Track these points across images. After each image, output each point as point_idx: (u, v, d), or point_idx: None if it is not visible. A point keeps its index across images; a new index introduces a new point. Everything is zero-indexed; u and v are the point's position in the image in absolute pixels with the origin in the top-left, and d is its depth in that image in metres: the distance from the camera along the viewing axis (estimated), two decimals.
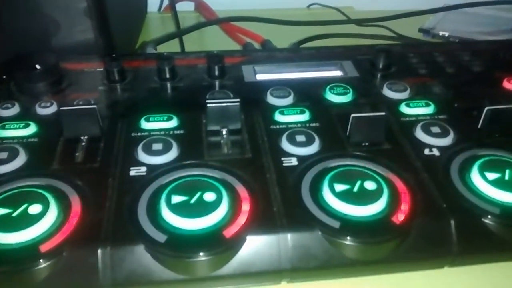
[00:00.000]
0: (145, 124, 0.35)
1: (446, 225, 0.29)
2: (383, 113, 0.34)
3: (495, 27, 0.66)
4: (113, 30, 0.46)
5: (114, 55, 0.42)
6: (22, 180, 0.30)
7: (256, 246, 0.27)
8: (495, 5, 0.69)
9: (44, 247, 0.26)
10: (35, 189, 0.29)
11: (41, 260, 0.25)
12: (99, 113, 0.34)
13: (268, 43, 0.56)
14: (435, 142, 0.34)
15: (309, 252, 0.27)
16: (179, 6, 0.67)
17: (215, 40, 0.62)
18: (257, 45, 0.57)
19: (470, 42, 0.59)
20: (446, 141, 0.34)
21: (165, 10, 0.72)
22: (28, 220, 0.26)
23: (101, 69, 0.43)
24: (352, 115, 0.33)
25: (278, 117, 0.36)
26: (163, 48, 0.55)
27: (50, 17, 0.44)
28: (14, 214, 0.27)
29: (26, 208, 0.27)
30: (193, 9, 0.72)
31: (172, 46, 0.57)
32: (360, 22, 0.65)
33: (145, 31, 0.65)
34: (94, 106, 0.33)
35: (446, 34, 0.63)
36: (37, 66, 0.40)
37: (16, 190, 0.28)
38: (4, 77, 0.41)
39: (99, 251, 0.26)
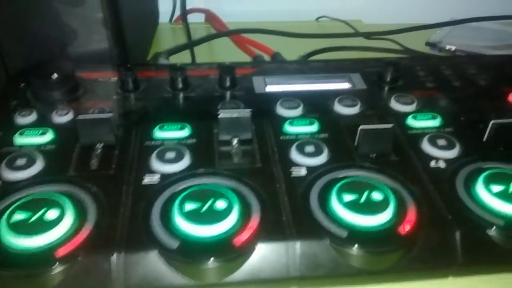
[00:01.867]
0: (158, 133, 0.36)
1: (451, 236, 0.29)
2: (390, 125, 0.34)
3: (501, 42, 0.67)
4: (128, 41, 0.48)
5: (128, 65, 0.43)
6: (39, 186, 0.31)
7: (265, 254, 0.28)
8: (502, 20, 0.69)
9: (59, 252, 0.27)
10: (52, 195, 0.29)
11: (56, 265, 0.26)
12: (114, 121, 0.35)
13: (278, 56, 0.57)
14: (441, 155, 0.35)
15: (316, 261, 0.28)
16: (190, 18, 0.69)
17: (225, 51, 0.63)
18: (267, 57, 0.58)
19: (477, 56, 0.60)
20: (452, 153, 0.35)
21: (176, 21, 0.73)
22: (45, 225, 0.27)
23: (115, 79, 0.44)
24: (360, 127, 0.34)
25: (288, 127, 0.37)
26: (174, 59, 0.57)
27: (67, 27, 0.45)
28: (32, 219, 0.28)
29: (44, 213, 0.28)
30: (204, 20, 0.73)
31: (183, 57, 0.58)
32: (368, 35, 0.66)
33: (157, 41, 0.66)
34: (110, 114, 0.34)
35: (453, 48, 0.64)
36: (54, 75, 0.41)
37: (34, 196, 0.29)
38: (22, 84, 0.42)
39: (113, 256, 0.27)
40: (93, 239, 0.28)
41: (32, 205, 0.28)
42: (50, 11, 0.44)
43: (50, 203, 0.29)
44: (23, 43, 0.46)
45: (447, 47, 0.64)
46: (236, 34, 0.64)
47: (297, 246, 0.28)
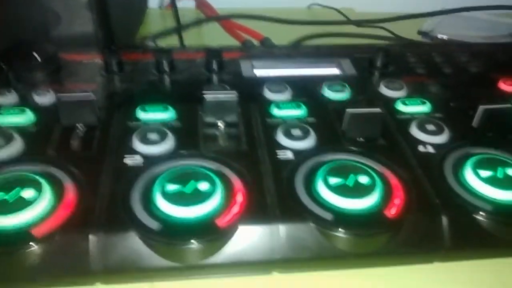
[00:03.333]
0: (141, 114, 0.35)
1: (438, 221, 0.29)
2: (378, 109, 0.34)
3: (493, 32, 0.66)
4: (113, 23, 0.47)
5: (113, 47, 0.42)
6: (17, 166, 0.30)
7: (248, 236, 0.27)
8: (493, 10, 0.69)
9: (36, 231, 0.26)
10: (30, 174, 0.29)
11: (32, 244, 0.25)
12: (96, 102, 0.34)
13: (267, 41, 0.56)
14: (429, 140, 0.34)
15: (301, 243, 0.27)
16: (180, 4, 0.67)
17: (214, 37, 0.62)
18: (256, 43, 0.57)
19: (468, 44, 0.59)
20: (441, 138, 0.34)
21: (166, 7, 0.72)
22: (22, 204, 0.26)
23: (100, 61, 0.43)
24: (347, 110, 0.34)
25: (275, 110, 0.36)
26: (162, 43, 0.56)
27: (50, 8, 0.44)
28: (7, 198, 0.27)
29: (19, 192, 0.27)
30: (194, 6, 0.72)
31: (171, 42, 0.57)
32: (359, 23, 0.66)
33: (145, 26, 0.65)
34: (90, 93, 0.33)
35: (445, 37, 0.64)
36: (36, 56, 0.40)
37: (10, 174, 0.28)
38: (2, 66, 0.41)
39: (91, 236, 0.26)
40: (71, 219, 0.27)
41: (9, 184, 0.28)
42: None
43: (27, 182, 0.28)
44: (5, 24, 0.45)
45: (439, 36, 0.64)
46: (226, 20, 0.63)
47: (281, 228, 0.27)
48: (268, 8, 0.68)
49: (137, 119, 0.35)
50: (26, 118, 0.34)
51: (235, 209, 0.28)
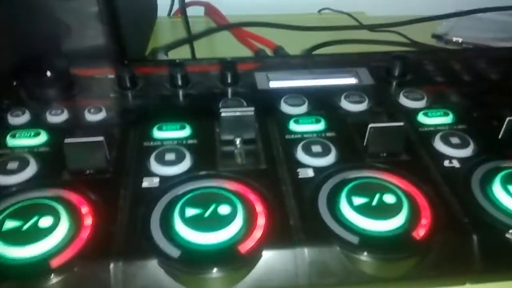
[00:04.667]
0: (157, 133, 0.34)
1: (468, 241, 0.28)
2: (401, 123, 0.33)
3: (508, 33, 0.65)
4: (124, 36, 0.46)
5: (125, 62, 0.41)
6: (33, 192, 0.29)
7: (272, 262, 0.26)
8: (509, 10, 0.68)
9: (54, 262, 0.25)
10: (46, 201, 0.28)
11: (51, 276, 0.25)
12: (105, 146, 0.31)
13: (280, 50, 0.55)
14: (454, 153, 0.33)
15: (327, 268, 0.27)
16: (189, 11, 0.67)
17: (225, 45, 0.61)
18: (269, 52, 0.56)
19: (486, 49, 0.58)
20: (466, 152, 0.33)
21: (175, 15, 0.71)
22: (39, 234, 0.26)
23: (112, 76, 0.42)
24: (370, 125, 0.33)
25: (293, 126, 0.35)
26: (173, 54, 0.55)
27: (60, 21, 0.44)
28: (24, 227, 0.26)
29: (37, 221, 0.26)
30: (203, 13, 0.71)
31: (182, 52, 0.56)
32: (372, 28, 0.64)
33: (155, 36, 0.64)
34: (101, 139, 0.31)
35: (460, 40, 0.62)
36: (48, 72, 0.39)
37: (26, 202, 0.28)
38: (14, 83, 0.40)
39: (111, 266, 0.25)
40: (90, 247, 0.26)
41: (25, 212, 0.27)
42: (42, 6, 0.43)
43: (44, 210, 0.27)
44: (15, 39, 0.44)
45: (454, 39, 0.63)
46: (236, 28, 0.62)
47: (306, 253, 0.27)
48: (278, 14, 0.67)
49: (154, 139, 0.34)
50: (40, 140, 0.33)
51: (258, 233, 0.27)
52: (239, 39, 0.61)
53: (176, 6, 0.71)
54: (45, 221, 0.26)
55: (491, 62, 0.46)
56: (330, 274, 0.26)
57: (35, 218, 0.26)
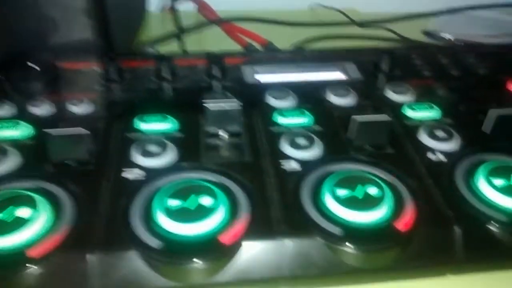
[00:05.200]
0: (140, 125, 0.34)
1: (451, 232, 0.28)
2: (386, 117, 0.33)
3: (500, 30, 0.65)
4: (112, 29, 0.45)
5: (112, 55, 0.41)
6: (13, 182, 0.29)
7: (254, 253, 0.26)
8: (499, 7, 0.68)
9: (32, 252, 0.25)
10: (26, 192, 0.28)
11: (27, 265, 0.24)
12: (89, 137, 0.31)
13: (270, 46, 0.55)
14: (439, 147, 0.33)
15: (309, 260, 0.26)
16: (180, 7, 0.66)
17: (216, 41, 0.61)
18: (259, 47, 0.56)
19: (475, 45, 0.58)
20: (451, 145, 0.33)
21: (165, 10, 0.71)
22: (17, 224, 0.25)
23: (99, 69, 0.42)
24: (354, 117, 0.32)
25: (279, 118, 0.35)
26: (163, 49, 0.55)
27: (47, 15, 0.43)
28: (1, 217, 0.26)
29: (13, 210, 0.26)
30: (195, 10, 0.71)
31: (172, 47, 0.56)
32: (363, 24, 0.64)
33: (146, 30, 0.64)
34: (82, 129, 0.31)
35: (450, 36, 0.62)
36: (33, 65, 0.39)
37: (5, 192, 0.27)
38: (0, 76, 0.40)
39: (89, 256, 0.25)
40: (69, 238, 0.26)
41: (2, 203, 0.26)
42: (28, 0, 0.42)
43: (23, 200, 0.27)
44: (0, 34, 0.44)
45: (444, 36, 0.63)
46: (227, 23, 0.62)
47: (288, 244, 0.26)
48: (268, 10, 0.67)
49: (137, 130, 0.34)
50: (22, 131, 0.33)
51: (240, 225, 0.27)
52: (230, 34, 0.61)
53: (167, 1, 0.70)
54: (24, 212, 0.26)
55: (479, 57, 0.46)
56: (313, 265, 0.26)
57: (11, 208, 0.26)
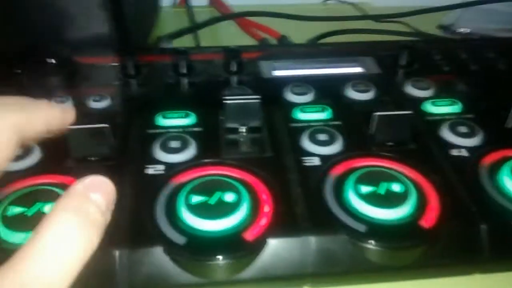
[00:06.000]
0: (161, 121, 0.34)
1: (477, 230, 0.27)
2: (408, 112, 0.32)
3: None
4: (128, 24, 0.45)
5: (129, 49, 0.41)
6: (37, 177, 0.29)
7: (278, 250, 0.26)
8: None
9: None
10: (49, 187, 0.28)
11: None
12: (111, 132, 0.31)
13: (284, 39, 0.55)
14: (462, 142, 0.33)
15: (333, 257, 0.26)
16: (193, 1, 0.66)
17: (230, 35, 0.61)
18: (273, 41, 0.56)
19: (494, 39, 0.57)
20: (474, 141, 0.33)
21: (179, 5, 0.71)
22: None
23: (116, 64, 0.42)
24: (377, 113, 0.32)
25: (299, 114, 0.35)
26: (177, 44, 0.54)
27: (64, 9, 0.43)
28: (28, 214, 0.26)
29: (41, 207, 0.26)
30: (207, 3, 0.70)
31: (186, 42, 0.56)
32: (377, 18, 0.64)
33: (159, 25, 0.63)
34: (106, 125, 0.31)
35: (466, 30, 0.62)
36: (51, 60, 0.39)
37: (30, 188, 0.27)
38: (17, 71, 0.40)
39: (117, 253, 0.25)
40: None
41: (27, 199, 0.27)
42: None
43: (47, 196, 0.27)
44: (18, 28, 0.44)
45: (460, 30, 0.62)
46: (241, 17, 0.61)
47: (312, 241, 0.26)
48: (282, 4, 0.67)
49: (157, 126, 0.33)
50: None
51: (263, 221, 0.27)
52: (244, 29, 0.61)
53: None
54: (49, 208, 0.26)
55: (498, 52, 0.46)
56: (337, 262, 0.26)
57: (38, 205, 0.26)
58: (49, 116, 0.23)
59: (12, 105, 0.22)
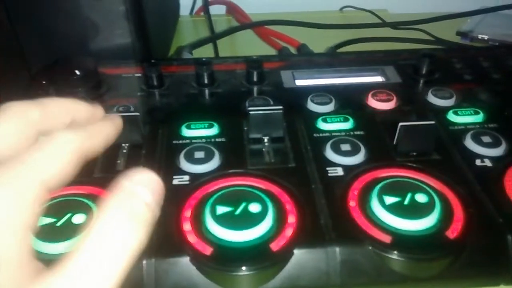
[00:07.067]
0: (186, 132, 0.34)
1: (503, 241, 0.27)
2: (432, 122, 0.32)
3: None
4: (150, 34, 0.46)
5: (152, 60, 0.42)
6: (66, 188, 0.29)
7: (304, 260, 0.26)
8: None
9: None
10: (78, 198, 0.28)
11: None
12: (141, 120, 0.33)
13: (304, 48, 0.55)
14: (486, 152, 0.33)
15: (358, 268, 0.26)
16: (211, 10, 0.67)
17: (248, 44, 0.61)
18: (292, 50, 0.56)
19: None
20: (498, 151, 0.33)
21: (197, 14, 0.72)
22: (72, 230, 0.26)
23: (139, 74, 0.42)
24: (401, 123, 0.32)
25: (321, 124, 0.35)
26: (196, 53, 0.55)
27: (88, 21, 0.44)
28: (58, 224, 0.26)
29: (70, 217, 0.27)
30: (224, 12, 0.71)
31: (205, 51, 0.56)
32: (395, 25, 0.64)
33: (178, 35, 0.64)
34: (137, 113, 0.33)
35: (485, 37, 0.61)
36: (77, 71, 0.40)
37: (59, 199, 0.28)
38: (43, 82, 0.41)
39: (144, 263, 0.25)
40: None
41: (58, 209, 0.27)
42: (69, 6, 0.43)
43: (76, 207, 0.27)
44: (43, 40, 0.45)
45: (480, 36, 0.62)
46: (259, 26, 0.62)
47: (338, 252, 0.26)
48: (299, 12, 0.67)
49: (182, 137, 0.34)
50: None
51: (288, 231, 0.27)
52: (262, 37, 0.61)
53: (198, 5, 0.71)
54: (78, 218, 0.27)
55: None
56: (361, 273, 0.26)
57: (68, 215, 0.27)
58: (109, 136, 0.24)
59: (75, 125, 0.22)
